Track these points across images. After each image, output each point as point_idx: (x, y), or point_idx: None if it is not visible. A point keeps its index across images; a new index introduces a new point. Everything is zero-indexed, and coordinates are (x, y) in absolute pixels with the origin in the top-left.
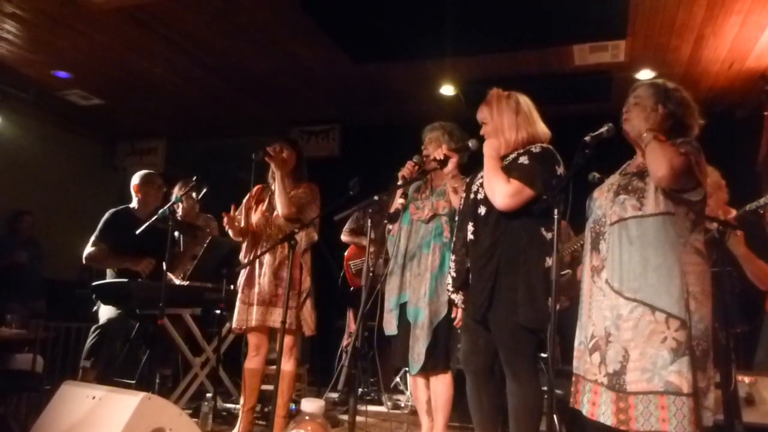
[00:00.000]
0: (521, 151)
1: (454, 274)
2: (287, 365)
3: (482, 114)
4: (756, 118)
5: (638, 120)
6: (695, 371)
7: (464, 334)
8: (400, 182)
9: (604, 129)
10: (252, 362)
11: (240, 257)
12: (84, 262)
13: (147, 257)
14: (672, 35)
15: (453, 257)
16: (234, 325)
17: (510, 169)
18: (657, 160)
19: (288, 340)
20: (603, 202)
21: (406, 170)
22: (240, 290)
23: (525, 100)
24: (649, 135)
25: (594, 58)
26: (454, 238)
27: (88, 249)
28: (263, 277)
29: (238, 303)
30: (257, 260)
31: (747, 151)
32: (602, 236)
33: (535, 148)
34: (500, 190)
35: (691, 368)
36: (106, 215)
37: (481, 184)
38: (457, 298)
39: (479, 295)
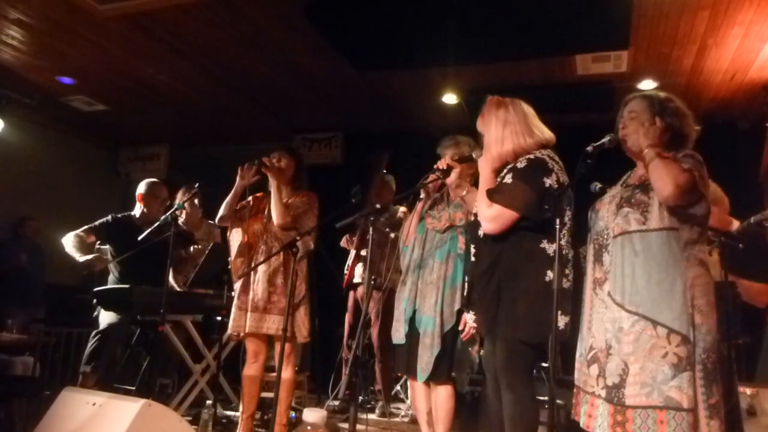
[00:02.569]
0: (510, 165)
1: (464, 293)
2: (285, 372)
3: (479, 125)
4: (758, 130)
5: (637, 135)
6: (709, 385)
7: (485, 339)
8: (422, 196)
9: (606, 139)
10: (250, 369)
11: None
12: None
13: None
14: (674, 46)
15: (466, 277)
16: (230, 331)
17: (496, 190)
18: (662, 180)
19: (285, 347)
20: (605, 214)
21: (432, 184)
22: (236, 296)
23: (519, 109)
24: (651, 152)
25: (596, 68)
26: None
27: (69, 234)
28: (257, 284)
29: (234, 309)
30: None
31: (749, 162)
32: (605, 248)
33: (521, 163)
34: (482, 215)
35: (692, 384)
36: (107, 217)
37: None
38: (468, 316)
39: (486, 314)
